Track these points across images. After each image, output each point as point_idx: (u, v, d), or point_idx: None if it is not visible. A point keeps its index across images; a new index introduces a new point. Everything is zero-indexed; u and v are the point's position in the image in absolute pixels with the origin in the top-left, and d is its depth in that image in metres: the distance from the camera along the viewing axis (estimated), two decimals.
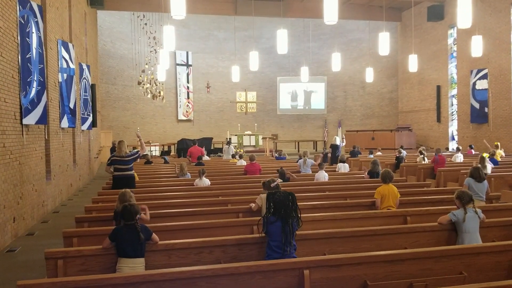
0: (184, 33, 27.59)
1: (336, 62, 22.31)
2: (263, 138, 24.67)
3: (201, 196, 8.03)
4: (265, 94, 29.59)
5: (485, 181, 7.37)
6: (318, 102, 30.21)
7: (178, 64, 28.25)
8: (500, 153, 15.50)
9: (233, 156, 16.25)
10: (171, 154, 22.67)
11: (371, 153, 17.50)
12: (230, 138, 20.85)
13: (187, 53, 28.45)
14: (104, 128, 24.10)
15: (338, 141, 17.60)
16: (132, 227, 4.29)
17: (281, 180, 7.73)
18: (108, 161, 8.56)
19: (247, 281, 3.79)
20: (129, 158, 8.22)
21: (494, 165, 11.97)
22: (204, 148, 17.01)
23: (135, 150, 8.95)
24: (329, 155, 17.39)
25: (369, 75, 23.63)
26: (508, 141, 19.31)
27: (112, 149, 15.33)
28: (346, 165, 13.07)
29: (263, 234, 4.47)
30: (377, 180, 8.74)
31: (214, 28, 28.93)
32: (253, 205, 6.43)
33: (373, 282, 3.96)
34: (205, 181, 9.11)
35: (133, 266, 4.16)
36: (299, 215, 4.42)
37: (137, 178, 9.85)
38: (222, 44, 29.08)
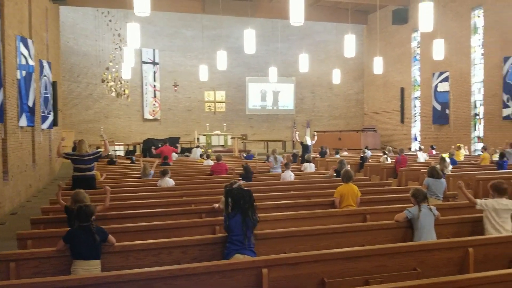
0: (151, 30, 27.22)
1: (304, 63, 22.52)
2: (232, 138, 24.63)
3: (164, 196, 7.95)
4: (234, 93, 29.55)
5: (443, 180, 7.62)
6: (287, 102, 30.44)
7: (144, 62, 27.83)
8: (462, 153, 16.02)
9: (201, 156, 16.17)
10: (136, 154, 22.34)
11: (337, 153, 17.77)
12: (198, 145, 20.72)
13: (154, 51, 28.07)
14: (66, 127, 23.50)
15: (308, 141, 17.79)
16: (87, 229, 4.22)
17: (243, 181, 7.76)
18: (67, 153, 8.41)
19: (206, 281, 3.79)
20: (88, 157, 8.04)
21: (453, 165, 12.36)
22: (176, 147, 16.80)
23: (97, 150, 8.79)
24: (299, 155, 17.57)
25: (336, 77, 23.96)
26: (467, 142, 19.96)
27: (74, 149, 14.98)
28: (312, 165, 13.23)
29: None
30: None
31: (181, 26, 28.66)
32: (216, 205, 6.42)
33: (330, 279, 4.03)
34: (169, 182, 9.03)
35: (88, 268, 4.09)
36: (256, 211, 4.53)
37: (100, 178, 9.68)
38: (190, 42, 28.85)
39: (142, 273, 3.66)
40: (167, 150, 14.67)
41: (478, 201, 5.48)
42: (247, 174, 9.70)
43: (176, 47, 28.80)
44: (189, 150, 22.41)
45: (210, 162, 13.89)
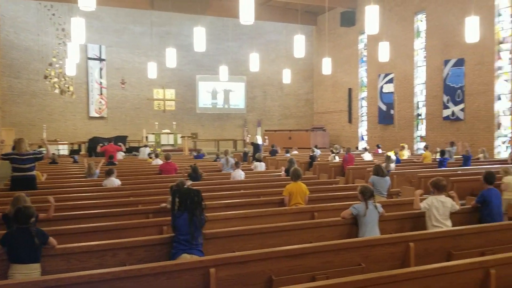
0: (97, 25, 26.34)
1: (255, 62, 22.60)
2: (182, 137, 24.32)
3: (110, 197, 7.71)
4: (184, 92, 29.17)
5: (388, 178, 7.89)
6: (238, 101, 30.46)
7: (90, 58, 26.86)
8: (406, 153, 16.67)
9: (149, 155, 15.84)
10: (81, 153, 21.57)
11: (287, 152, 17.96)
12: (146, 145, 20.29)
13: (100, 47, 27.16)
14: (6, 125, 22.27)
15: (259, 140, 17.88)
16: (26, 231, 4.01)
17: (191, 182, 7.68)
18: (5, 154, 7.98)
19: (151, 283, 3.70)
20: (28, 157, 7.65)
21: (397, 163, 12.85)
22: (122, 145, 16.31)
23: (40, 149, 8.43)
24: (250, 153, 17.63)
25: (287, 77, 24.23)
26: (410, 141, 20.82)
27: (14, 148, 14.24)
28: (263, 163, 13.31)
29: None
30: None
31: (129, 22, 27.93)
32: (164, 204, 6.31)
33: (278, 277, 4.05)
34: (115, 182, 8.77)
35: (27, 272, 3.90)
36: (203, 211, 4.51)
37: (42, 178, 9.26)
38: (138, 38, 28.17)
39: (84, 276, 3.52)
40: (111, 149, 14.25)
41: (421, 205, 5.68)
42: (195, 174, 9.58)
43: (123, 44, 28.02)
44: (137, 149, 21.92)
45: (159, 162, 13.65)
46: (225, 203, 6.97)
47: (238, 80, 29.84)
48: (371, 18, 13.21)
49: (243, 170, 10.90)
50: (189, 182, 6.29)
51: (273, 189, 8.57)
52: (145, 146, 19.72)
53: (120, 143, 15.61)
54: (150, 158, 15.52)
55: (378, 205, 5.49)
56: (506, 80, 16.70)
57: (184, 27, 27.92)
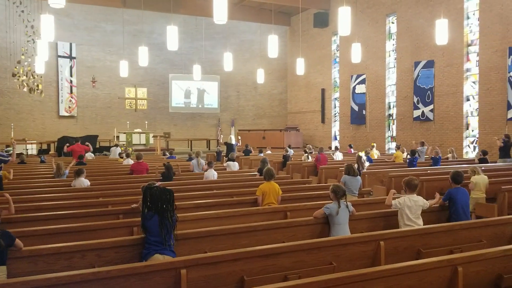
0: (67, 23, 25.76)
1: (228, 62, 22.52)
2: (154, 137, 24.03)
3: (79, 197, 7.54)
4: (157, 91, 28.83)
5: (359, 177, 7.98)
6: (212, 101, 30.31)
7: (60, 56, 26.23)
8: (375, 152, 16.92)
9: (120, 155, 15.58)
10: (50, 153, 21.05)
11: (261, 151, 17.98)
12: (117, 144, 19.94)
13: (71, 44, 26.55)
14: None
15: (233, 140, 17.83)
16: None
17: (160, 183, 7.59)
18: None
19: (121, 285, 3.62)
20: None
21: (369, 163, 13.03)
22: (90, 145, 15.97)
23: (6, 149, 8.18)
24: (223, 153, 17.57)
25: (261, 77, 24.25)
26: (381, 141, 21.16)
27: None
28: (236, 163, 13.28)
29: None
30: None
31: (101, 19, 27.40)
32: (135, 205, 6.21)
33: (250, 277, 4.02)
34: (84, 182, 8.57)
35: None
36: (175, 211, 4.45)
37: (10, 176, 8.95)
38: (110, 37, 27.67)
39: (51, 278, 3.41)
40: (78, 149, 13.93)
41: (393, 202, 5.77)
42: (168, 173, 9.49)
43: (95, 41, 27.48)
44: (108, 148, 21.54)
45: (130, 161, 13.46)
46: (197, 203, 6.90)
47: (212, 80, 29.70)
48: (344, 19, 13.33)
49: (216, 170, 10.84)
50: (159, 183, 6.18)
51: (246, 189, 8.54)
52: (116, 145, 19.40)
53: (87, 143, 15.27)
54: (121, 158, 15.27)
55: (350, 204, 5.53)
56: (474, 82, 17.17)
57: (157, 26, 27.62)
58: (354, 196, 7.56)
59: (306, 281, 3.45)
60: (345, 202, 5.43)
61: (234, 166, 12.96)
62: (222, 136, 28.84)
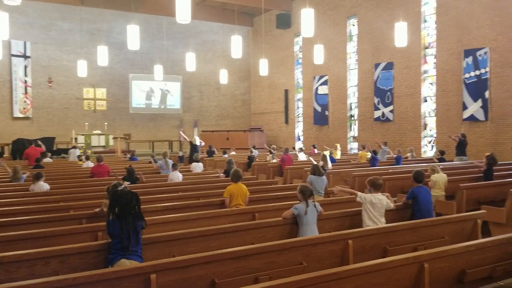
0: (21, 21, 24.76)
1: (191, 62, 22.32)
2: (114, 138, 23.49)
3: (39, 202, 7.26)
4: (116, 91, 28.16)
5: (325, 177, 8.07)
6: (174, 101, 29.91)
7: (13, 55, 25.14)
8: (338, 152, 17.20)
9: (79, 157, 15.12)
10: (4, 155, 20.17)
11: (225, 153, 17.90)
12: (75, 146, 19.32)
13: (25, 43, 25.51)
14: None
15: (197, 140, 17.65)
16: None
17: (128, 183, 7.42)
18: None
19: None
20: None
21: (332, 163, 13.21)
22: (42, 145, 15.38)
23: None
24: (186, 155, 17.37)
25: (224, 77, 24.18)
26: (344, 141, 21.55)
27: None
28: (200, 164, 13.18)
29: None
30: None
31: (57, 17, 26.49)
32: (98, 209, 6.04)
33: (221, 280, 3.98)
34: (43, 186, 8.26)
35: None
36: (143, 215, 4.33)
37: None
38: (67, 35, 26.80)
39: (13, 287, 3.25)
40: (34, 152, 13.40)
41: (358, 193, 5.87)
42: (130, 177, 9.26)
43: (51, 40, 26.53)
44: (66, 151, 20.87)
45: (90, 164, 13.10)
46: (163, 206, 6.79)
47: (174, 80, 29.32)
48: (307, 21, 13.45)
49: (180, 171, 10.70)
50: (126, 183, 6.03)
51: (212, 190, 8.50)
52: (74, 147, 18.79)
53: (39, 142, 14.71)
54: (80, 160, 14.84)
55: (317, 204, 5.58)
56: (431, 83, 17.76)
57: (116, 24, 27.03)
58: (320, 196, 7.64)
59: (278, 282, 3.44)
60: (313, 202, 5.47)
61: (199, 167, 12.86)
62: (183, 136, 28.54)
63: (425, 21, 17.88)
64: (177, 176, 10.24)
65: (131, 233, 4.18)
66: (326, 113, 22.75)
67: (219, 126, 29.04)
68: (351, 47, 21.69)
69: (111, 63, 23.64)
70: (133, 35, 16.26)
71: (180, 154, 19.43)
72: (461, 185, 8.35)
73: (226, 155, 17.12)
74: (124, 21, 25.83)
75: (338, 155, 16.90)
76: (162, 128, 29.71)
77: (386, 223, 5.67)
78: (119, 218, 4.23)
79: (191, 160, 16.21)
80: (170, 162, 12.08)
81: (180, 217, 6.02)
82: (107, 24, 27.00)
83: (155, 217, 5.83)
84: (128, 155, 17.02)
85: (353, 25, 21.48)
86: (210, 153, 18.05)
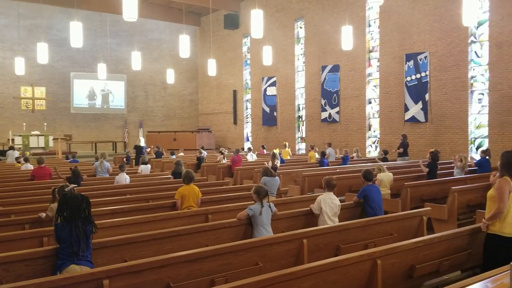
0: None
1: (136, 60, 21.76)
2: (54, 139, 22.46)
3: None
4: (57, 90, 26.90)
5: (277, 178, 8.13)
6: (118, 101, 28.97)
7: None
8: (288, 151, 17.38)
9: (17, 159, 14.32)
10: None
11: (172, 154, 17.62)
12: (12, 147, 18.28)
13: None
14: None
15: (142, 142, 17.25)
16: None
17: (76, 185, 7.09)
18: None
19: None
20: None
21: (281, 163, 13.34)
22: None
23: None
24: (132, 156, 16.92)
25: (170, 77, 23.78)
26: (292, 142, 21.84)
27: None
28: (148, 166, 12.90)
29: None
30: (180, 181, 8.78)
31: None
32: (43, 214, 5.73)
33: (176, 283, 3.92)
34: None
35: None
36: (93, 220, 4.17)
37: None
38: (3, 31, 25.28)
39: None
40: None
41: (314, 208, 5.92)
42: (76, 178, 8.86)
43: None
44: (2, 152, 19.70)
45: (30, 166, 12.44)
46: (112, 209, 6.59)
47: (118, 79, 28.43)
48: (256, 22, 13.45)
49: (127, 173, 10.40)
50: (72, 185, 5.74)
51: (162, 192, 8.35)
52: (12, 148, 17.75)
53: None
54: (19, 162, 14.05)
55: (272, 204, 5.60)
56: (375, 86, 18.40)
57: (56, 21, 25.90)
58: (273, 196, 7.67)
59: (236, 284, 3.40)
60: (267, 203, 5.48)
61: (146, 169, 12.57)
62: (127, 136, 27.82)
63: (370, 25, 18.50)
64: (124, 178, 9.95)
65: (81, 238, 4.00)
66: (275, 114, 22.97)
67: (166, 127, 28.53)
68: (299, 49, 22.04)
69: (51, 61, 22.59)
70: (76, 32, 15.59)
71: (127, 152, 18.93)
72: (405, 183, 8.69)
73: (173, 156, 16.86)
74: (64, 17, 24.79)
75: (288, 155, 17.07)
76: (105, 129, 28.69)
77: (339, 222, 5.78)
78: (68, 222, 4.03)
79: (137, 161, 15.83)
80: (106, 164, 11.71)
81: (130, 220, 5.86)
82: (46, 21, 25.75)
83: (103, 220, 5.62)
84: (70, 157, 16.30)
85: (301, 27, 21.83)
86: (158, 154, 17.70)
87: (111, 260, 4.39)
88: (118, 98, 28.89)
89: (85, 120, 28.18)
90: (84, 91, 28.01)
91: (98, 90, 28.33)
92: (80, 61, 27.40)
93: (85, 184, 9.39)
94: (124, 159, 17.04)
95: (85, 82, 27.90)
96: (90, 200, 4.41)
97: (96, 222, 4.42)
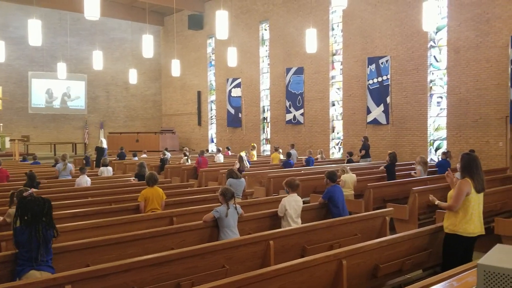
0: None
1: (97, 60, 21.22)
2: (11, 140, 21.62)
3: None
4: (14, 89, 25.91)
5: (243, 180, 8.12)
6: (78, 101, 28.16)
7: None
8: (255, 153, 17.41)
9: None
10: None
11: (135, 155, 17.29)
12: None
13: None
14: None
15: (104, 143, 16.85)
16: None
17: (36, 189, 6.84)
18: None
19: None
20: None
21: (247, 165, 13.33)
22: None
23: None
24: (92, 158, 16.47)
25: (133, 77, 23.34)
26: (257, 143, 21.87)
27: None
28: (110, 168, 12.61)
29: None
30: (144, 183, 8.62)
31: None
32: (0, 218, 5.49)
33: None
34: None
35: None
36: (54, 224, 4.02)
37: None
38: None
39: None
40: None
41: (278, 210, 5.94)
42: (31, 182, 8.49)
43: None
44: None
45: None
46: (74, 212, 6.41)
47: (78, 79, 27.66)
48: (221, 23, 13.42)
49: (88, 175, 10.14)
50: (32, 189, 5.53)
51: (125, 195, 8.19)
52: None
53: None
54: None
55: (238, 206, 5.58)
56: (338, 89, 18.69)
57: (13, 18, 24.98)
58: (238, 197, 7.64)
59: (203, 287, 3.36)
60: (233, 205, 5.46)
61: (108, 171, 12.28)
62: (88, 137, 27.12)
63: (333, 29, 18.79)
64: (85, 181, 9.72)
65: (41, 243, 3.85)
66: (240, 115, 22.96)
67: (128, 128, 27.99)
68: (264, 51, 22.12)
69: (8, 59, 21.74)
70: (35, 30, 15.05)
71: (87, 154, 18.42)
72: (368, 184, 8.87)
73: (136, 158, 16.56)
74: (22, 14, 23.92)
75: (255, 156, 17.10)
76: (65, 130, 27.86)
77: (304, 223, 5.81)
78: (28, 226, 3.87)
79: (99, 163, 15.44)
80: (70, 166, 11.42)
81: (92, 223, 5.71)
82: (3, 18, 24.81)
83: (64, 224, 5.45)
84: (28, 159, 15.72)
85: (265, 29, 21.93)
86: (121, 155, 17.32)
87: (73, 265, 4.27)
88: (78, 99, 28.09)
89: (43, 120, 27.26)
90: (42, 91, 27.08)
91: (57, 90, 27.45)
92: (39, 60, 26.50)
93: (45, 187, 9.08)
94: (84, 160, 16.59)
95: (43, 81, 26.99)
96: (53, 203, 4.26)
97: (57, 226, 4.28)
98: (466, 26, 14.27)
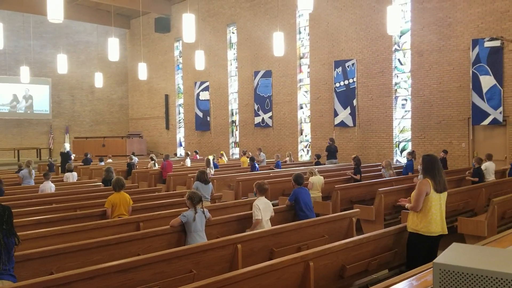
0: None
1: (62, 63, 20.69)
2: None
3: None
4: None
5: (210, 183, 8.08)
6: (42, 105, 27.41)
7: None
8: (225, 160, 17.38)
9: None
10: None
11: (101, 160, 16.97)
12: None
13: None
14: None
15: (67, 148, 16.46)
16: None
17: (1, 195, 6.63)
18: None
19: None
20: None
21: (215, 168, 13.30)
22: None
23: None
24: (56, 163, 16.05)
25: (99, 80, 22.89)
26: (226, 147, 21.86)
27: None
28: (75, 173, 12.34)
29: None
30: (110, 188, 8.48)
31: None
32: None
33: None
34: None
35: None
36: (15, 231, 3.90)
37: None
38: None
39: None
40: None
41: (255, 213, 5.94)
42: None
43: None
44: None
45: None
46: (37, 219, 6.24)
47: (42, 82, 26.95)
48: (188, 26, 13.37)
49: (52, 181, 9.89)
50: None
51: (90, 201, 8.02)
52: None
53: None
54: None
55: (206, 210, 5.55)
56: (306, 92, 18.89)
57: None
58: (206, 201, 7.62)
59: None
60: (201, 209, 5.43)
61: (73, 176, 12.01)
62: (52, 142, 26.41)
63: (300, 32, 18.99)
64: (49, 187, 9.48)
65: (3, 251, 3.72)
66: (208, 119, 22.87)
67: (94, 132, 27.43)
68: (232, 54, 22.13)
69: None
70: None
71: (51, 159, 17.95)
72: (336, 186, 8.99)
73: (102, 163, 16.26)
74: None
75: (225, 161, 17.09)
76: (29, 135, 27.07)
77: (272, 226, 5.85)
78: None
79: (63, 169, 15.07)
80: (33, 172, 11.15)
81: (56, 230, 5.57)
82: None
83: (27, 232, 5.30)
84: None
85: (233, 32, 21.95)
86: (87, 161, 16.95)
87: (36, 273, 4.17)
88: (42, 103, 27.34)
89: (6, 125, 26.40)
90: (5, 95, 26.24)
91: (20, 94, 26.64)
92: (2, 64, 25.70)
93: (8, 193, 8.80)
94: (47, 166, 16.15)
95: (6, 85, 26.15)
96: (13, 210, 4.13)
97: (19, 233, 4.16)
98: (429, 30, 14.69)
